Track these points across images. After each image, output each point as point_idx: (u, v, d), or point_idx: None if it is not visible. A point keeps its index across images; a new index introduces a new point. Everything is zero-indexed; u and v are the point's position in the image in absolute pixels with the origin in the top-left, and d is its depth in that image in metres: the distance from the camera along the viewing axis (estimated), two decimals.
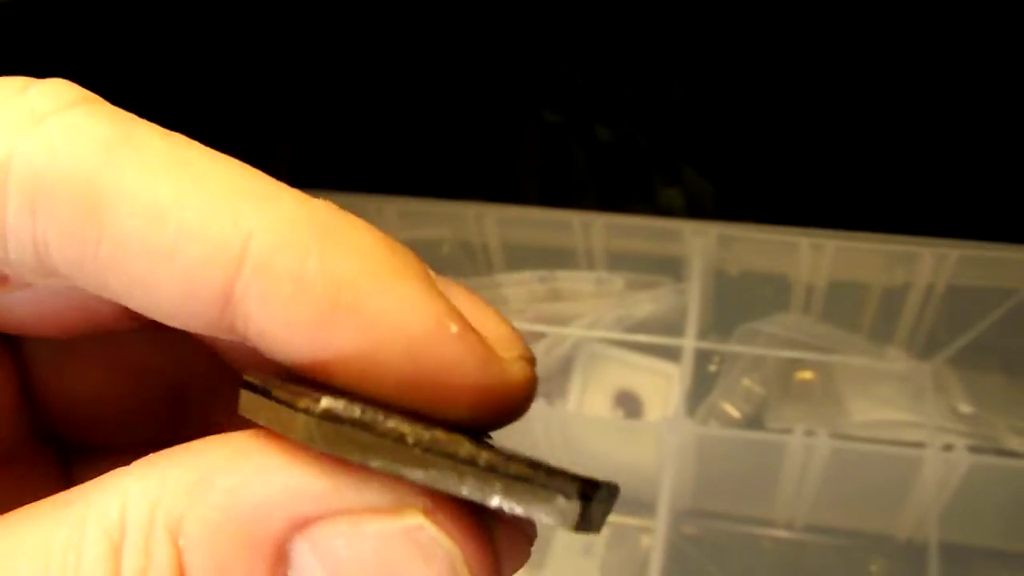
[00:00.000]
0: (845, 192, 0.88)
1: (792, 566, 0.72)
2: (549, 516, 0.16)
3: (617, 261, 0.81)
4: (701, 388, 0.75)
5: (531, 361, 0.18)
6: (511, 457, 0.16)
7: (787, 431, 0.66)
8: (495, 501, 0.15)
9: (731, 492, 0.73)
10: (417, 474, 0.15)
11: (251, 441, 0.16)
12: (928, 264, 0.73)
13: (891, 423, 0.71)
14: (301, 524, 0.15)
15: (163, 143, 0.17)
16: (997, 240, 0.72)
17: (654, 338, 0.75)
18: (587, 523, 0.16)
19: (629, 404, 0.75)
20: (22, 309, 0.19)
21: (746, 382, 0.75)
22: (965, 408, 0.71)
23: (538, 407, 0.68)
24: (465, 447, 0.16)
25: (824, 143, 0.91)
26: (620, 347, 0.77)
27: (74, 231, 0.16)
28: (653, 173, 0.96)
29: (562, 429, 0.68)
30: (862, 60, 0.89)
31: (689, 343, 0.72)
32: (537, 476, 0.16)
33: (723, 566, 0.72)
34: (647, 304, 0.78)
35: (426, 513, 0.16)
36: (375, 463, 0.15)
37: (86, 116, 0.17)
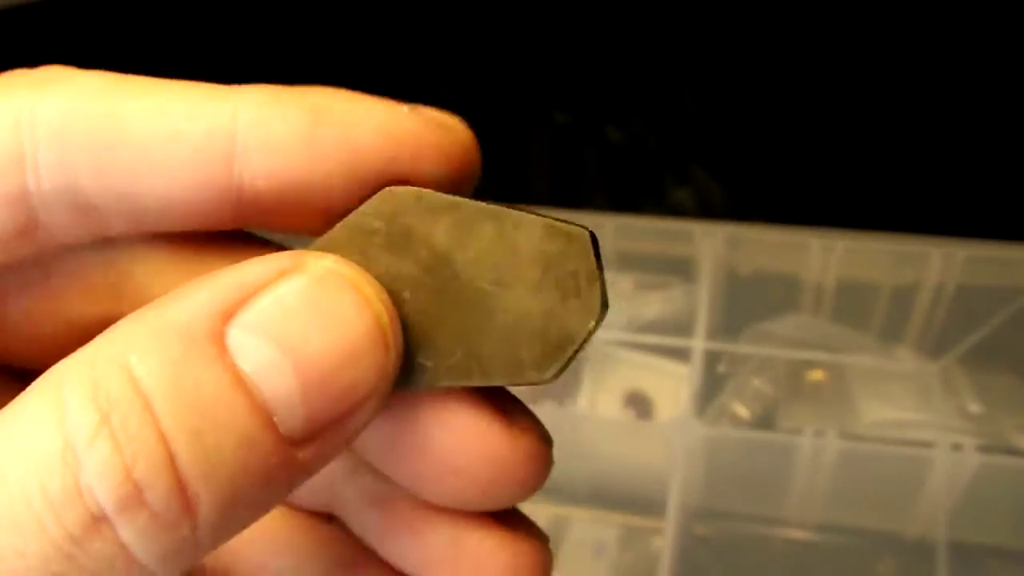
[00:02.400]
0: (854, 192, 0.89)
1: (802, 566, 0.72)
2: None
3: (627, 262, 0.81)
4: (711, 389, 0.75)
5: (464, 124, 0.22)
6: None
7: (797, 431, 0.67)
8: None
9: (741, 492, 0.73)
10: None
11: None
12: (938, 264, 0.73)
13: (901, 423, 0.71)
14: (228, 314, 0.18)
15: (153, 79, 0.21)
16: (1007, 240, 0.72)
17: (664, 339, 0.75)
18: None
19: (639, 405, 0.75)
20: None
21: (756, 382, 0.75)
22: (975, 408, 0.71)
23: (548, 408, 0.68)
24: None
25: (833, 143, 0.91)
26: (630, 348, 0.77)
27: (97, 149, 0.19)
28: (663, 174, 0.96)
29: (572, 430, 0.69)
30: (871, 61, 0.89)
31: (699, 344, 0.72)
32: None
33: (733, 566, 0.72)
34: (657, 305, 0.79)
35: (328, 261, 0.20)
36: None
37: (86, 74, 0.20)
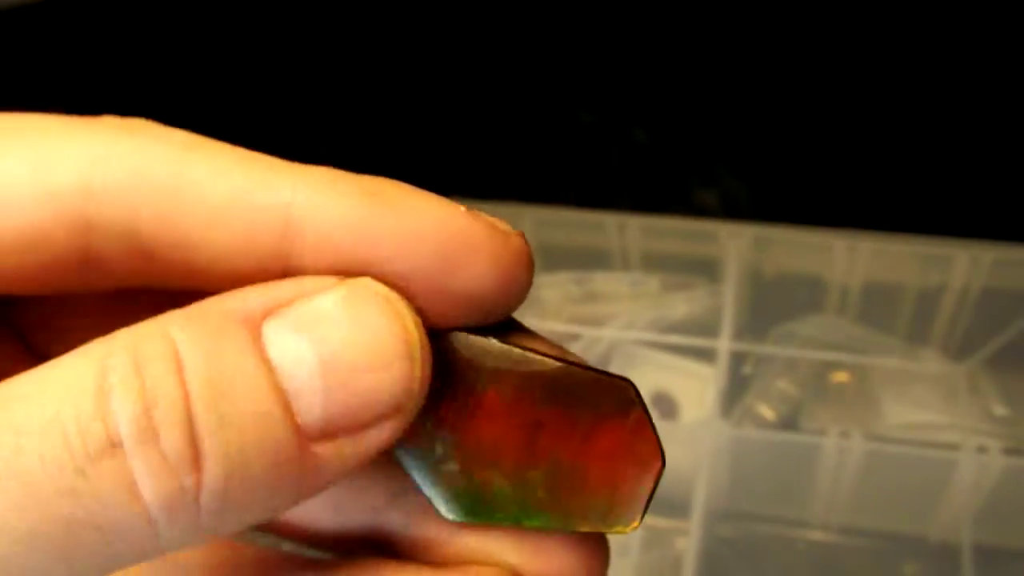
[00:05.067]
0: (880, 194, 0.88)
1: (826, 568, 0.72)
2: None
3: (652, 262, 0.82)
4: (736, 390, 0.75)
5: (522, 235, 0.22)
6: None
7: (821, 433, 0.67)
8: None
9: (766, 494, 0.73)
10: None
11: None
12: (963, 266, 0.73)
13: (925, 425, 0.71)
14: (268, 311, 0.20)
15: (225, 145, 0.21)
16: None
17: (689, 339, 0.75)
18: None
19: (664, 406, 0.75)
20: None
21: (781, 384, 0.75)
22: (999, 410, 0.71)
23: None
24: None
25: (859, 145, 0.91)
26: (655, 349, 0.77)
27: (162, 198, 0.20)
28: (689, 175, 0.96)
29: None
30: (898, 63, 0.89)
31: (724, 345, 0.73)
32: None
33: (757, 568, 0.72)
34: (682, 306, 0.79)
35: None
36: None
37: (168, 128, 0.22)
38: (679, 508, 0.67)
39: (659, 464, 0.21)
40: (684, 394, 0.76)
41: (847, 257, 0.75)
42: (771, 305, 0.79)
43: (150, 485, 0.18)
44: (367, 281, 0.21)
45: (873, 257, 0.75)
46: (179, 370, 0.18)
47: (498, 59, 0.98)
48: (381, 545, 0.24)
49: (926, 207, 0.85)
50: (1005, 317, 0.72)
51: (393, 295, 0.21)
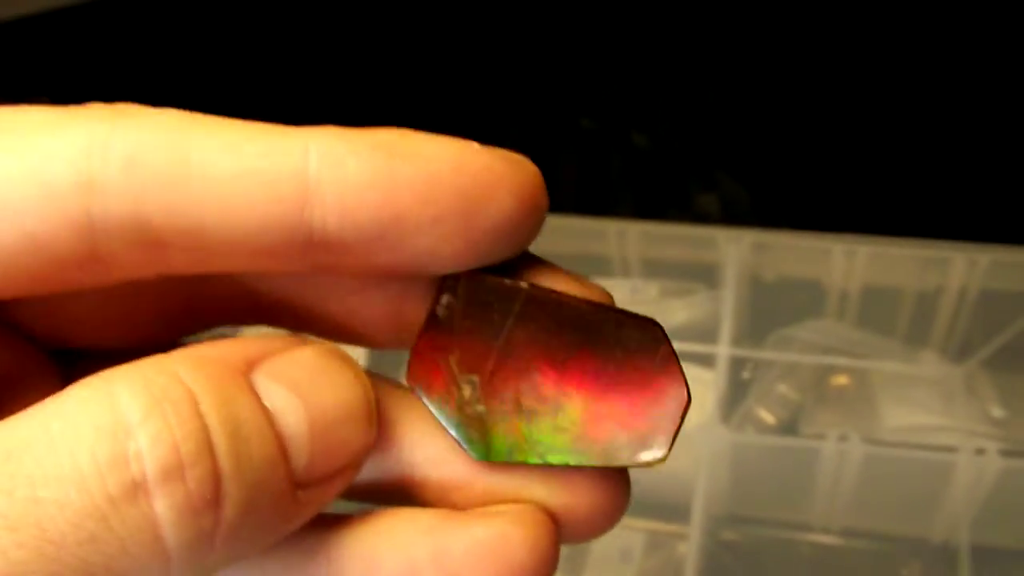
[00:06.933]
0: (878, 198, 0.89)
1: (826, 570, 0.72)
2: None
3: (652, 269, 0.82)
4: (736, 395, 0.75)
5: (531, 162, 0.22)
6: None
7: (821, 437, 0.67)
8: None
9: (766, 498, 0.73)
10: None
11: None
12: (960, 268, 0.73)
13: (924, 427, 0.71)
14: (252, 363, 0.20)
15: (225, 119, 0.21)
16: None
17: (689, 345, 0.75)
18: None
19: None
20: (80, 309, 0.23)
21: (781, 388, 0.75)
22: (997, 412, 0.71)
23: None
24: None
25: (858, 150, 0.91)
26: None
27: (168, 183, 0.20)
28: (689, 179, 0.96)
29: None
30: (896, 68, 0.89)
31: (724, 350, 0.73)
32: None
33: (758, 571, 0.73)
34: (682, 311, 0.79)
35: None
36: None
37: (160, 110, 0.21)
38: (680, 513, 0.67)
39: (686, 398, 0.22)
40: None
41: (845, 261, 0.76)
42: (770, 310, 0.79)
43: (173, 526, 0.18)
44: (328, 343, 0.22)
45: (871, 261, 0.75)
46: (195, 404, 0.18)
47: (499, 65, 0.99)
48: (404, 490, 0.24)
49: (923, 211, 0.86)
50: (1003, 319, 0.73)
51: (350, 357, 0.22)
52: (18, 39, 0.90)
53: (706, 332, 0.76)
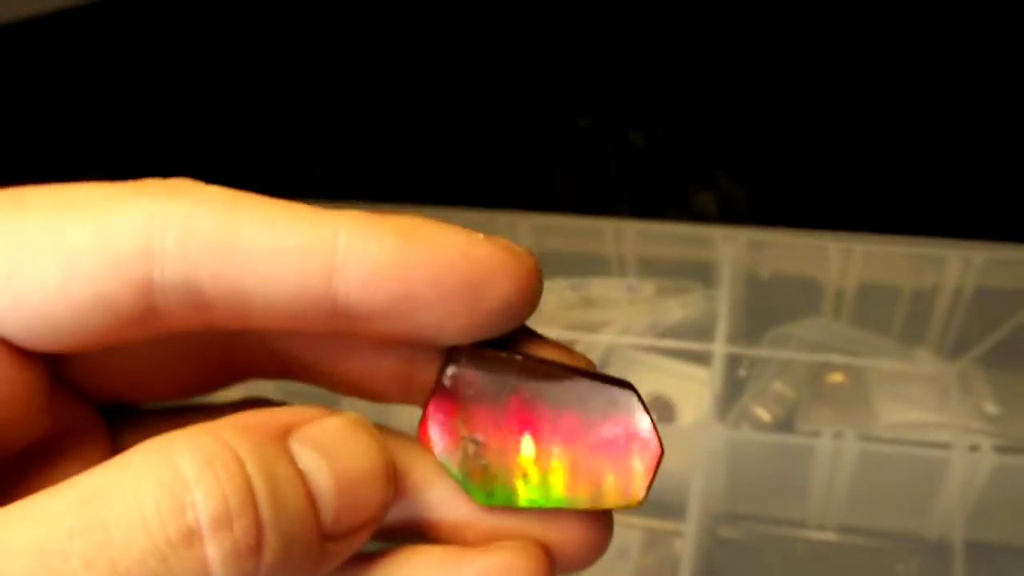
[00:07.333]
0: (874, 196, 0.89)
1: (822, 567, 0.72)
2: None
3: (648, 267, 0.82)
4: (732, 392, 0.76)
5: (531, 253, 0.25)
6: None
7: (817, 434, 0.67)
8: None
9: (762, 495, 0.74)
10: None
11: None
12: (956, 266, 0.73)
13: (919, 424, 0.71)
14: (287, 430, 0.23)
15: (266, 198, 0.24)
16: None
17: (685, 343, 0.76)
18: None
19: (661, 409, 0.76)
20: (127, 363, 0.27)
21: (777, 386, 0.76)
22: (992, 409, 0.72)
23: None
24: None
25: (853, 148, 0.91)
26: (652, 353, 0.78)
27: (216, 252, 0.23)
28: (686, 178, 0.96)
29: None
30: (892, 67, 0.90)
31: (720, 348, 0.73)
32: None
33: (755, 568, 0.73)
34: (678, 310, 0.79)
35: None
36: None
37: (210, 186, 0.24)
38: (676, 510, 0.68)
39: (659, 451, 0.24)
40: (681, 397, 0.76)
41: (841, 259, 0.76)
42: (766, 308, 0.79)
43: (222, 567, 0.21)
44: (355, 414, 0.24)
45: (867, 259, 0.76)
46: (241, 465, 0.21)
47: (495, 64, 0.99)
48: (419, 530, 0.27)
49: (919, 209, 0.86)
50: (997, 316, 0.73)
51: (375, 428, 0.25)
52: (18, 40, 0.90)
53: (702, 330, 0.77)
